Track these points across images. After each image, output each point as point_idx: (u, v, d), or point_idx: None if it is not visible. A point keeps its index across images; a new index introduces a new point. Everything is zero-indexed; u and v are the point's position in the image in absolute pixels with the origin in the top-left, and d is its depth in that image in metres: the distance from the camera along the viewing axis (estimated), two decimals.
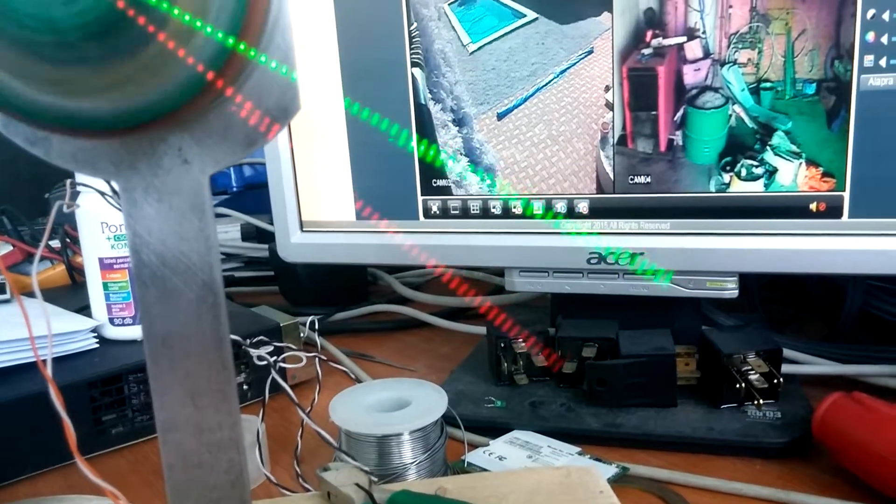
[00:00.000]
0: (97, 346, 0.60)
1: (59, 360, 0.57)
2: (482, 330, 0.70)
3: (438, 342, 0.74)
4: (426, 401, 0.47)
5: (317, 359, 0.53)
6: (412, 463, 0.45)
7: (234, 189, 1.22)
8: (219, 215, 1.15)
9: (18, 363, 0.56)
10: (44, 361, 0.28)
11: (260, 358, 0.42)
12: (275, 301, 0.92)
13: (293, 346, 0.57)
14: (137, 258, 0.27)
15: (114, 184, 0.38)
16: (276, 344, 0.48)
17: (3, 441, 0.52)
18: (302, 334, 0.65)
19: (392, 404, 0.48)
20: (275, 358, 0.41)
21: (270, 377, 0.41)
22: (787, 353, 0.58)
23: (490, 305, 0.62)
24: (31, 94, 0.20)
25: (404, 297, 0.87)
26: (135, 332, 0.61)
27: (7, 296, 0.70)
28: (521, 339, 0.57)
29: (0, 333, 0.56)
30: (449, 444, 0.50)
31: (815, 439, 0.46)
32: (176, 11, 0.20)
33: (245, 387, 0.62)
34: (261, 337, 0.46)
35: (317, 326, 0.61)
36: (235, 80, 0.22)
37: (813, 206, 0.50)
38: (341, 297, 0.86)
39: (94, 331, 0.61)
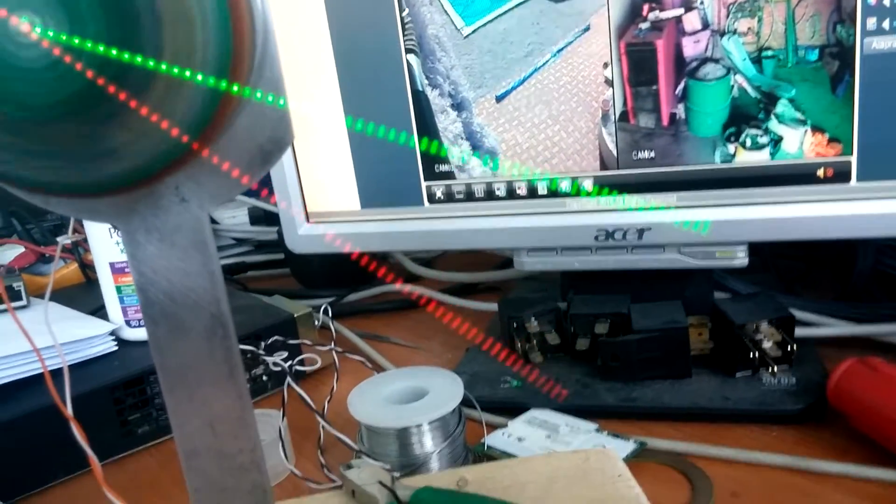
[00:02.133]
0: (116, 348, 0.61)
1: (80, 366, 0.59)
2: (494, 307, 0.71)
3: (452, 318, 0.75)
4: (443, 389, 0.48)
5: (333, 352, 0.53)
6: (433, 452, 0.46)
7: None
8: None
9: (39, 372, 0.57)
10: (59, 371, 0.29)
11: (276, 364, 0.43)
12: (287, 284, 0.93)
13: (308, 342, 0.58)
14: (145, 297, 0.28)
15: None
16: (290, 342, 0.49)
17: (39, 447, 0.53)
18: (316, 321, 0.66)
19: (409, 394, 0.49)
20: (289, 363, 0.41)
21: (287, 381, 0.42)
22: (800, 315, 0.58)
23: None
24: (19, 167, 0.20)
25: (415, 275, 0.87)
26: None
27: (24, 301, 0.71)
28: (533, 319, 0.57)
29: (20, 343, 0.57)
30: (468, 425, 0.51)
31: (831, 405, 0.47)
32: (164, 66, 0.20)
33: (265, 378, 0.62)
34: (275, 338, 0.46)
35: (331, 314, 0.61)
36: (227, 125, 0.22)
37: (820, 173, 0.49)
38: (354, 277, 0.86)
39: (111, 333, 0.62)
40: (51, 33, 0.18)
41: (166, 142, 0.20)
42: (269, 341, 0.46)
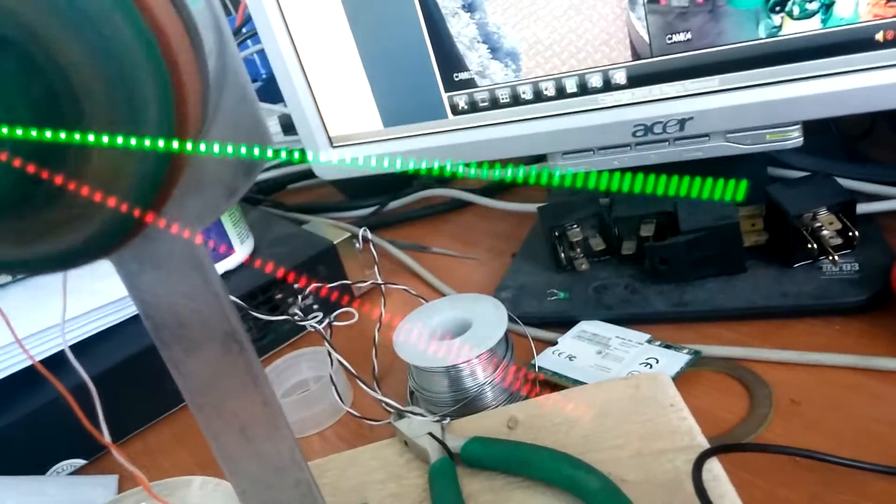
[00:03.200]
0: None
1: (111, 331, 0.59)
2: (533, 208, 0.68)
3: (494, 220, 0.73)
4: (487, 318, 0.47)
5: (378, 286, 0.53)
6: (485, 383, 0.46)
7: (264, 76, 1.18)
8: None
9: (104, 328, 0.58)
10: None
11: (313, 315, 0.42)
12: (327, 195, 0.91)
13: (349, 280, 0.57)
14: (152, 322, 0.27)
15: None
16: (329, 285, 0.48)
17: (117, 401, 0.55)
18: (357, 244, 0.65)
19: (454, 325, 0.48)
20: (325, 320, 0.41)
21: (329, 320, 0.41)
22: (862, 187, 0.54)
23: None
24: None
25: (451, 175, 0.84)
26: None
27: None
28: (575, 226, 0.55)
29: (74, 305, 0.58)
30: (519, 344, 0.50)
31: None
32: (97, 141, 0.18)
33: (315, 305, 0.63)
34: (309, 292, 0.46)
35: (370, 236, 0.60)
36: (184, 177, 0.20)
37: (880, 36, 0.44)
38: (395, 182, 0.84)
39: None
40: None
41: (115, 217, 0.18)
42: (306, 294, 0.45)
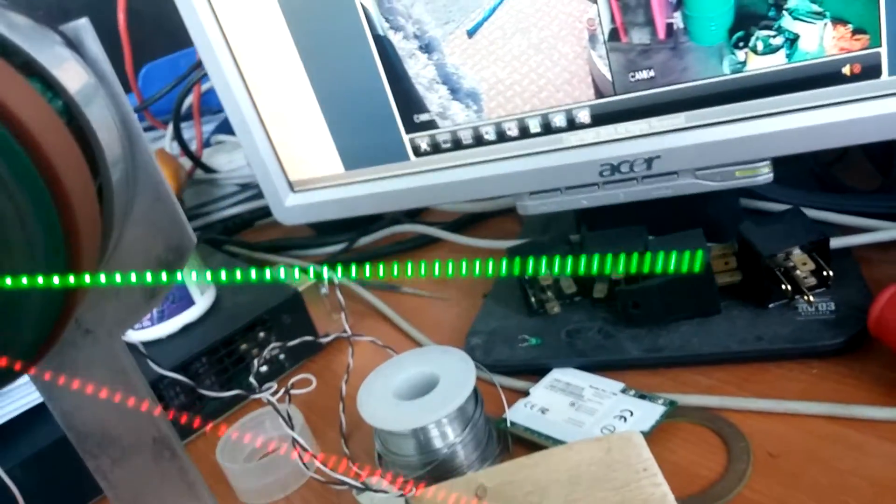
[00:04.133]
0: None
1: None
2: (505, 244, 0.67)
3: (466, 256, 0.71)
4: (454, 373, 0.45)
5: (346, 339, 0.51)
6: (456, 443, 0.44)
7: None
8: (218, 143, 1.11)
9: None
10: None
11: (268, 386, 0.40)
12: (296, 229, 0.89)
13: (314, 328, 0.55)
14: (76, 433, 0.25)
15: None
16: (289, 343, 0.46)
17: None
18: (323, 289, 0.63)
19: (421, 382, 0.46)
20: (283, 389, 0.39)
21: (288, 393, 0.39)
22: (837, 217, 0.53)
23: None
24: None
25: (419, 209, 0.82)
26: (153, 332, 0.60)
27: None
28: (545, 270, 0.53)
29: None
30: (490, 394, 0.48)
31: (873, 336, 0.42)
32: None
33: (282, 356, 0.61)
34: (272, 350, 0.44)
35: (338, 278, 0.58)
36: (77, 306, 0.18)
37: (846, 70, 0.43)
38: (364, 217, 0.82)
39: None
40: None
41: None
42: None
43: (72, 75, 0.19)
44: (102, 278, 0.17)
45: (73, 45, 0.20)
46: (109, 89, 0.20)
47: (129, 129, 0.21)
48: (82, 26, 0.20)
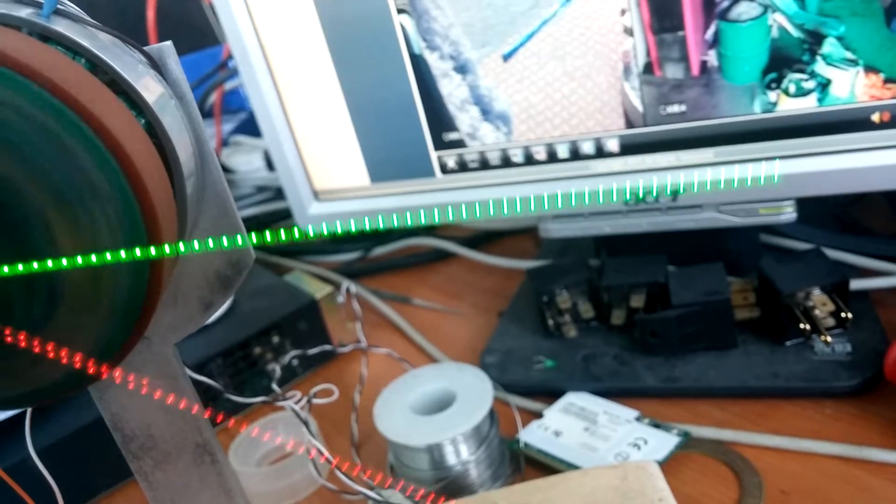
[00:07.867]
0: None
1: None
2: (522, 264, 0.67)
3: (481, 272, 0.72)
4: (471, 392, 0.46)
5: (361, 351, 0.51)
6: (470, 461, 0.44)
7: (249, 108, 1.17)
8: (236, 143, 1.12)
9: None
10: None
11: (290, 395, 0.41)
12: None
13: (330, 336, 0.56)
14: (121, 434, 0.25)
15: None
16: (308, 351, 0.47)
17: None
18: (340, 297, 0.64)
19: (438, 398, 0.47)
20: (302, 402, 0.39)
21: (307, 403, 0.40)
22: (855, 259, 0.54)
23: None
24: None
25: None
26: None
27: None
28: (564, 291, 0.53)
29: None
30: (504, 413, 0.49)
31: (888, 380, 0.43)
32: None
33: (294, 362, 0.61)
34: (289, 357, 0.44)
35: (354, 291, 0.59)
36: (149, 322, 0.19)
37: (876, 118, 0.43)
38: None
39: None
40: None
41: (79, 370, 0.17)
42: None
43: (154, 94, 0.20)
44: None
45: (157, 65, 0.20)
46: (187, 109, 0.20)
47: (202, 147, 0.21)
48: (166, 48, 0.20)
